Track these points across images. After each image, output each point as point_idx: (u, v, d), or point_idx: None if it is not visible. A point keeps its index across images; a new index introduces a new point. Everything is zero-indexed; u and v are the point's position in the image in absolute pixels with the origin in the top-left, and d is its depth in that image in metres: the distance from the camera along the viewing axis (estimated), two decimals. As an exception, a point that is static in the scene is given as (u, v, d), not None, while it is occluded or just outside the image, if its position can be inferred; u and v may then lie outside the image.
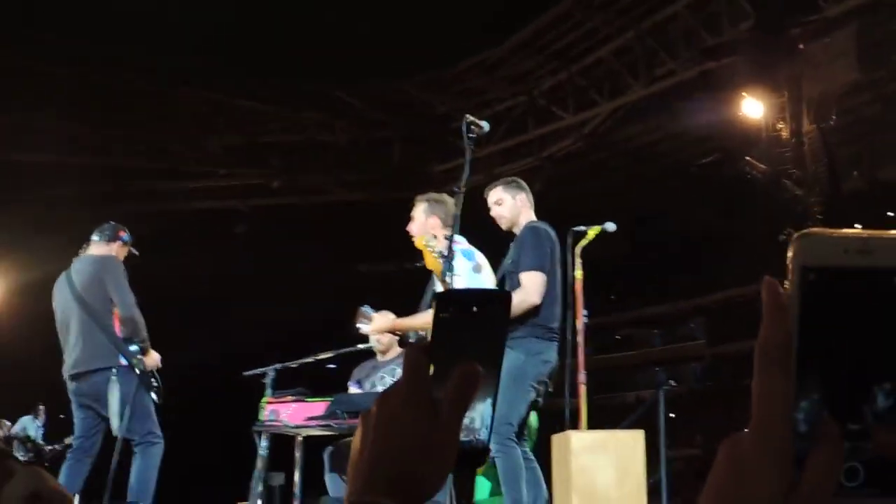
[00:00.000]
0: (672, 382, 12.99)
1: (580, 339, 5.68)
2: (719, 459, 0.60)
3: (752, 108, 10.96)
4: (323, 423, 4.72)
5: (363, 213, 13.95)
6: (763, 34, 10.20)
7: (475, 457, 0.78)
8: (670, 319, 17.46)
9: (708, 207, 13.39)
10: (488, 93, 13.33)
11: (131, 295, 5.95)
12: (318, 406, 4.71)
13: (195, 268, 12.85)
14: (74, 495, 5.44)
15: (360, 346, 5.92)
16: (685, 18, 11.14)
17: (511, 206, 5.20)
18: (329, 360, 5.68)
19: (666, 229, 14.49)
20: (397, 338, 5.79)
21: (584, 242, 5.72)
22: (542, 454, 5.06)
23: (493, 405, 0.77)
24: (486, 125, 4.68)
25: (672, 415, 7.65)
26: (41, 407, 12.58)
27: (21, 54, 11.09)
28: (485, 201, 5.28)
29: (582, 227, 5.74)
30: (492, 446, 0.99)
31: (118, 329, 5.92)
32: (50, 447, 11.86)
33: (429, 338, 0.78)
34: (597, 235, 5.80)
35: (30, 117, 11.99)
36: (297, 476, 5.24)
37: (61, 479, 5.53)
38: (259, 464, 4.80)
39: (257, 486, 4.77)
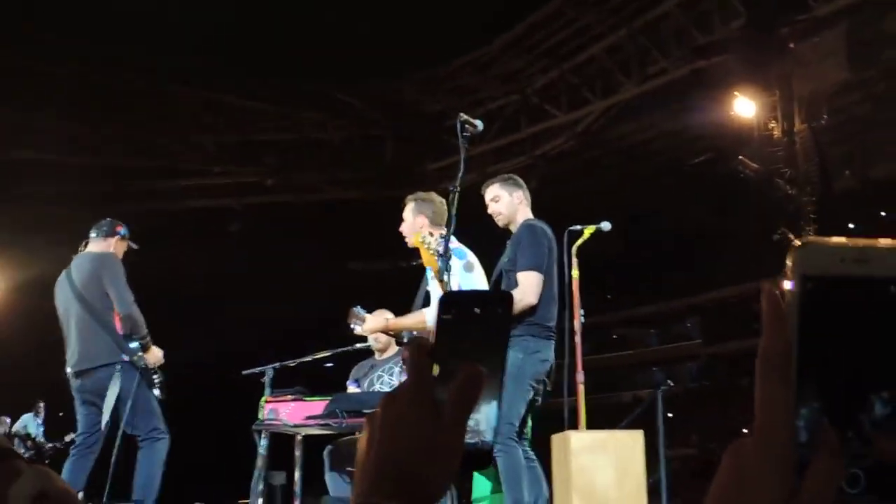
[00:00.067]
0: (669, 382, 12.99)
1: (577, 338, 5.68)
2: (723, 466, 0.62)
3: (745, 107, 11.02)
4: (322, 422, 4.72)
5: (357, 212, 13.95)
6: (754, 32, 10.24)
7: (480, 459, 0.77)
8: (664, 318, 17.48)
9: (701, 205, 13.39)
10: (481, 91, 13.31)
11: (129, 292, 5.91)
12: (317, 405, 4.71)
13: (189, 266, 12.82)
14: (78, 492, 5.43)
15: (358, 345, 5.92)
16: (677, 17, 11.17)
17: (508, 202, 5.16)
18: (327, 360, 5.69)
19: (659, 227, 14.48)
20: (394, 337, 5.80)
21: (580, 242, 5.73)
22: (542, 454, 5.06)
23: (499, 407, 0.77)
24: (480, 124, 4.67)
25: (669, 415, 7.68)
26: (41, 404, 12.55)
27: (21, 54, 11.07)
28: (477, 200, 5.24)
29: (578, 227, 5.75)
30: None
31: (119, 326, 5.93)
32: (50, 445, 11.83)
33: (422, 337, 0.79)
34: (591, 234, 5.81)
35: (30, 117, 11.96)
36: (297, 475, 5.24)
37: (64, 475, 5.51)
38: (259, 463, 4.79)
39: (258, 485, 4.78)
